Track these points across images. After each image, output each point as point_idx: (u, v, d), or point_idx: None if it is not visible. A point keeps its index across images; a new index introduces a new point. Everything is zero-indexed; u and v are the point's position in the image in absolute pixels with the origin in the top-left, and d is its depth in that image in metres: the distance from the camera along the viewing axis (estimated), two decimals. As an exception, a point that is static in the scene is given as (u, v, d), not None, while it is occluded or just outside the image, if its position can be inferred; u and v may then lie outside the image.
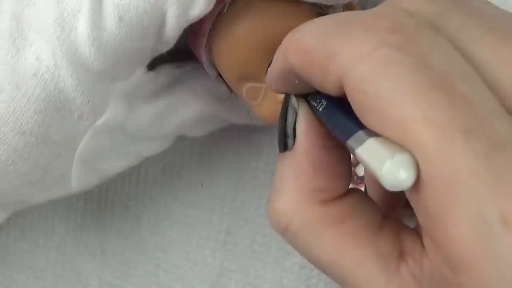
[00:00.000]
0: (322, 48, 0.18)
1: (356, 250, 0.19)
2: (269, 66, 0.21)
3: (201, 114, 0.33)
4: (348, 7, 0.31)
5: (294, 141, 0.21)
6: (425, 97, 0.16)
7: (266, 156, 0.38)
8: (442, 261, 0.16)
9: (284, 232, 0.20)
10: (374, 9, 0.18)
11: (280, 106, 0.22)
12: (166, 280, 0.40)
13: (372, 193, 0.24)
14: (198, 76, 0.33)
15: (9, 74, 0.27)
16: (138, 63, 0.30)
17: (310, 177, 0.20)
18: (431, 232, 0.16)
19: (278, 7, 0.28)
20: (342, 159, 0.21)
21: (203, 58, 0.30)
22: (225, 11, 0.28)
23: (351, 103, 0.17)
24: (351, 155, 0.21)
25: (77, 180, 0.32)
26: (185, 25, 0.28)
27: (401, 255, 0.19)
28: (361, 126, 0.17)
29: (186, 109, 0.33)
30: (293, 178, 0.20)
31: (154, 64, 0.31)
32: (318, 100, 0.20)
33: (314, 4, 0.29)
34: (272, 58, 0.21)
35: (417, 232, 0.19)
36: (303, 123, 0.21)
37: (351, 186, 0.21)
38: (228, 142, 0.39)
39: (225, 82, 0.31)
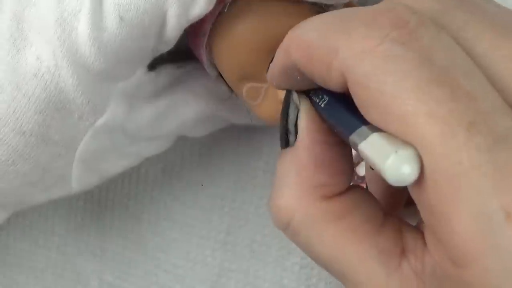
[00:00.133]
0: (324, 44, 0.18)
1: (356, 246, 0.19)
2: (270, 63, 0.22)
3: (202, 114, 0.34)
4: (348, 7, 0.31)
5: (296, 138, 0.21)
6: (428, 92, 0.16)
7: (266, 156, 0.38)
8: (445, 256, 0.16)
9: (286, 228, 0.20)
10: (375, 6, 0.18)
11: (280, 106, 0.22)
12: (166, 280, 0.40)
13: (373, 192, 0.24)
14: (199, 76, 0.33)
15: (9, 75, 0.27)
16: (139, 63, 0.30)
17: (312, 173, 0.20)
18: (433, 227, 0.16)
19: (278, 7, 0.28)
20: (344, 155, 0.21)
21: (204, 58, 0.30)
22: (225, 11, 0.28)
23: (354, 99, 0.17)
24: (353, 153, 0.21)
25: (78, 180, 0.32)
26: (185, 24, 0.28)
27: (402, 252, 0.19)
28: (364, 121, 0.17)
29: (186, 109, 0.33)
30: (295, 174, 0.20)
31: (154, 64, 0.31)
32: (320, 96, 0.20)
33: (314, 4, 0.29)
34: (273, 57, 0.21)
35: (418, 229, 0.19)
36: (305, 119, 0.21)
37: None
38: (228, 142, 0.39)
39: (225, 82, 0.31)
